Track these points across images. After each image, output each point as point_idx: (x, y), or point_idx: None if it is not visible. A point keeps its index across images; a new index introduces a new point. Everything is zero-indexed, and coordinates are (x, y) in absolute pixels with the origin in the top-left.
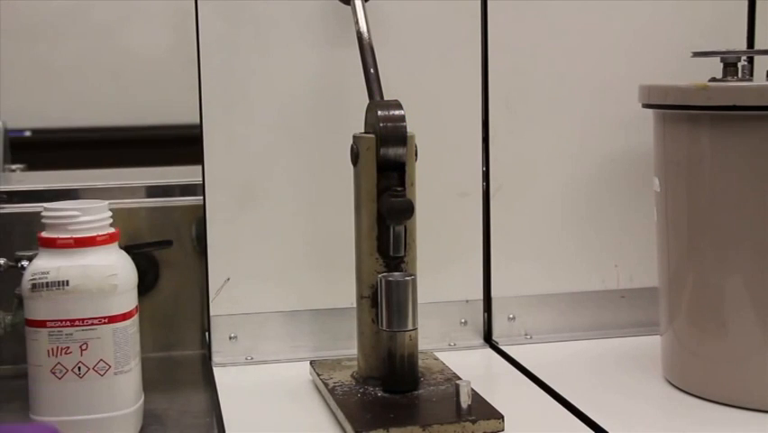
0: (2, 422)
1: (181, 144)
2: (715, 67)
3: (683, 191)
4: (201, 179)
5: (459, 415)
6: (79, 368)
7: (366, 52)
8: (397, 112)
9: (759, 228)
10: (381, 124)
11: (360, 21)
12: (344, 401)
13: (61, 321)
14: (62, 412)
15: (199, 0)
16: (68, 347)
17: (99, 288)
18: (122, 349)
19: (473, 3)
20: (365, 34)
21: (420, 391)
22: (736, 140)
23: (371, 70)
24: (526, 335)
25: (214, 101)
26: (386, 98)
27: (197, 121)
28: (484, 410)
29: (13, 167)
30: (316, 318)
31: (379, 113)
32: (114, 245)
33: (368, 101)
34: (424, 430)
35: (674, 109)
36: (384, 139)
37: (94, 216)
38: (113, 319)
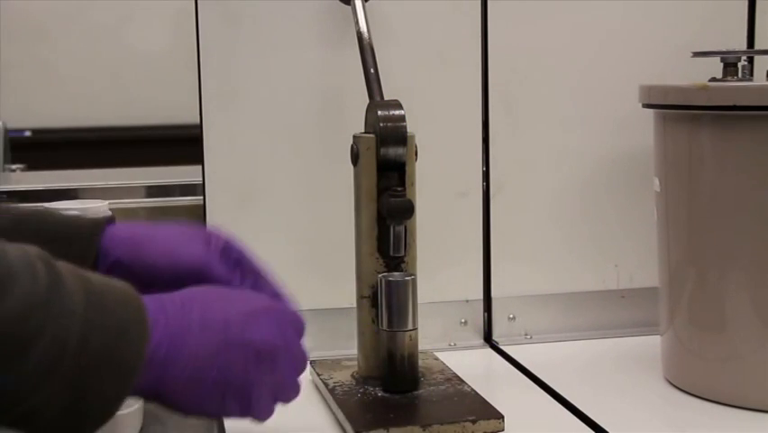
0: None
1: (181, 144)
2: (715, 67)
3: (683, 191)
4: (201, 179)
5: (459, 415)
6: None
7: (366, 52)
8: (397, 112)
9: (759, 228)
10: (381, 124)
11: (360, 21)
12: (344, 401)
13: None
14: None
15: (199, 0)
16: None
17: None
18: None
19: (473, 3)
20: (365, 34)
21: (420, 391)
22: (736, 140)
23: (371, 70)
24: (526, 335)
25: (214, 101)
26: (386, 98)
27: (197, 121)
28: (484, 410)
29: (13, 167)
30: (316, 318)
31: (379, 113)
32: None
33: (368, 101)
34: (424, 430)
35: (674, 109)
36: (384, 139)
37: (94, 216)
38: None
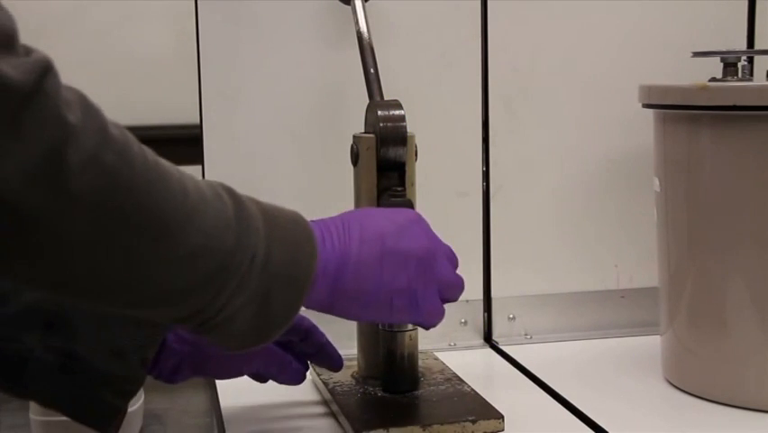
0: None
1: (181, 144)
2: (715, 67)
3: (683, 191)
4: (201, 179)
5: (459, 415)
6: None
7: (366, 52)
8: (396, 112)
9: (759, 228)
10: (381, 124)
11: (360, 21)
12: (344, 401)
13: None
14: None
15: (199, 0)
16: None
17: None
18: None
19: (473, 3)
20: (365, 34)
21: (420, 391)
22: (736, 140)
23: (371, 70)
24: (526, 335)
25: (214, 101)
26: (386, 98)
27: (197, 121)
28: (484, 410)
29: None
30: (316, 318)
31: (379, 113)
32: None
33: (368, 101)
34: (424, 430)
35: (674, 109)
36: (384, 139)
37: None
38: None
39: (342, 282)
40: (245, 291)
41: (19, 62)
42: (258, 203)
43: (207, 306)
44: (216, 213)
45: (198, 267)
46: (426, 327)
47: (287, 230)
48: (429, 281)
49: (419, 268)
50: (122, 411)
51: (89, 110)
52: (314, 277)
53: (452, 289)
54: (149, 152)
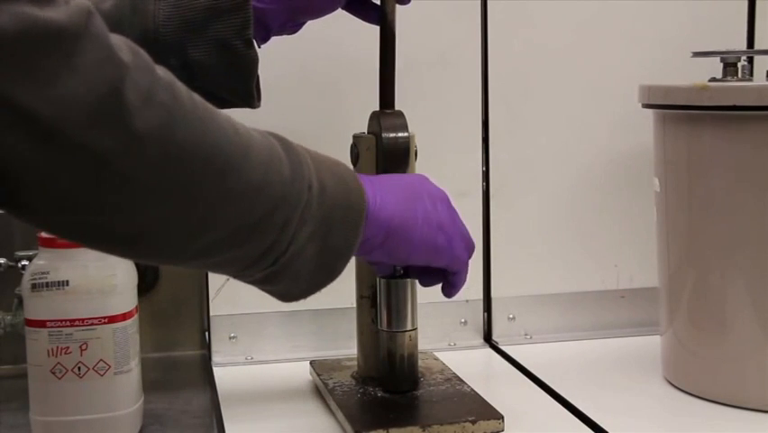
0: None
1: None
2: (715, 67)
3: (683, 191)
4: None
5: (459, 415)
6: (79, 368)
7: (388, 43)
8: (398, 120)
9: (759, 228)
10: (384, 135)
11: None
12: (344, 401)
13: (61, 321)
14: (62, 412)
15: None
16: (68, 347)
17: (99, 288)
18: (122, 349)
19: (473, 3)
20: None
21: (420, 391)
22: (736, 140)
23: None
24: (526, 335)
25: None
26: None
27: None
28: (484, 410)
29: None
30: (316, 318)
31: (383, 126)
32: None
33: (368, 100)
34: (423, 430)
35: (674, 109)
36: (386, 155)
37: None
38: (113, 319)
39: (390, 219)
40: (309, 222)
41: (63, 8)
42: (295, 142)
43: (277, 241)
44: (267, 147)
45: (263, 200)
46: (451, 281)
47: (330, 163)
48: (457, 223)
49: (448, 210)
50: (258, 87)
51: (136, 50)
52: (367, 207)
53: (469, 242)
54: (193, 93)
